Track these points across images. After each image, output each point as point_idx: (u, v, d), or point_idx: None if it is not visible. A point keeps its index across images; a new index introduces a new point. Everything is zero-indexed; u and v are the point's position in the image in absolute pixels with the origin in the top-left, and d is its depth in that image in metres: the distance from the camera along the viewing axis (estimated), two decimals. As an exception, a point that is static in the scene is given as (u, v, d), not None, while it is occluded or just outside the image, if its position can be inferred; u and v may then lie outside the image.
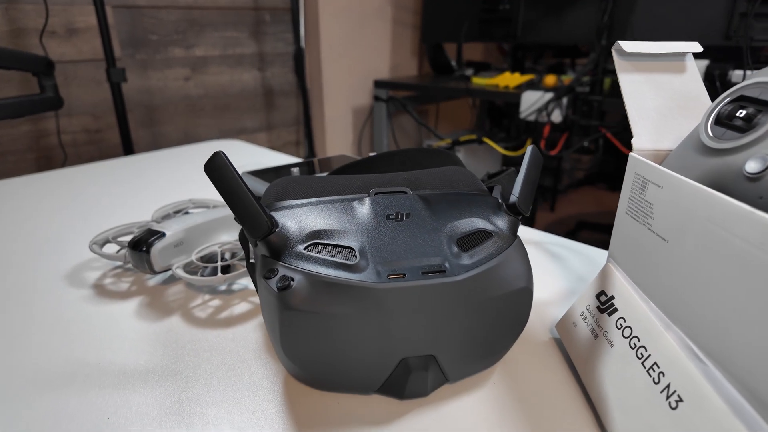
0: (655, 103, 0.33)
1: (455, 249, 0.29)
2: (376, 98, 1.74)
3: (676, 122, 0.33)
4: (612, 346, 0.30)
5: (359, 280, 0.27)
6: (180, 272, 0.40)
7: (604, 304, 0.32)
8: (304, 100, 1.64)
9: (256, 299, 0.42)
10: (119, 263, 0.47)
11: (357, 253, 0.28)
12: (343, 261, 0.28)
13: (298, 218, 0.31)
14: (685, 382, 0.24)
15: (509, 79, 1.45)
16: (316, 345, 0.28)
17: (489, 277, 0.28)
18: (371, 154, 0.63)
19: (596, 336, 0.32)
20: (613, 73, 1.29)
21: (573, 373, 0.33)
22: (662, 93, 0.33)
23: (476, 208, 0.33)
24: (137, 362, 0.34)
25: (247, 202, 0.29)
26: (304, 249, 0.29)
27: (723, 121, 0.27)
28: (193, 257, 0.41)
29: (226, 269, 0.42)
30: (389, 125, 1.79)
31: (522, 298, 0.30)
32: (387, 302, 0.26)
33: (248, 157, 0.89)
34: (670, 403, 0.25)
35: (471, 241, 0.30)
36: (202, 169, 0.30)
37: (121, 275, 0.46)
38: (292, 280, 0.27)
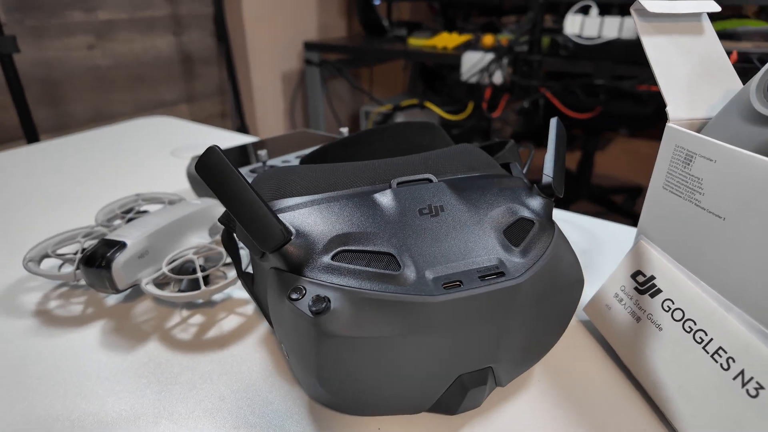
0: (682, 68, 0.31)
1: (506, 244, 0.26)
2: (308, 62, 1.64)
3: (705, 88, 0.31)
4: (660, 329, 0.29)
5: (410, 294, 0.23)
6: (152, 289, 0.34)
7: (644, 284, 0.31)
8: (228, 67, 1.50)
9: (246, 309, 0.36)
10: (61, 281, 0.39)
11: (398, 259, 0.24)
12: (384, 271, 0.23)
13: (313, 221, 0.26)
14: (764, 368, 0.23)
15: (447, 40, 1.41)
16: (360, 372, 0.24)
17: (548, 273, 0.25)
18: (342, 129, 0.57)
19: (638, 319, 0.30)
20: (551, 31, 1.30)
21: (612, 358, 0.32)
22: (687, 57, 0.31)
23: (508, 192, 0.29)
24: (119, 408, 0.28)
25: (255, 208, 0.23)
26: (332, 259, 0.24)
27: (777, 87, 0.26)
28: (165, 269, 0.35)
29: (205, 279, 0.36)
30: (324, 91, 1.70)
31: (575, 290, 0.27)
32: (445, 317, 0.23)
33: (183, 136, 0.80)
34: (748, 390, 0.23)
35: (516, 232, 0.27)
36: (194, 168, 0.24)
37: (69, 296, 0.38)
38: (328, 300, 0.23)
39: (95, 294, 0.38)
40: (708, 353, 0.26)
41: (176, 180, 0.61)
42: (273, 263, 0.26)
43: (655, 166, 0.31)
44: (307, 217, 0.26)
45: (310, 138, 0.60)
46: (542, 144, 2.57)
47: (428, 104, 1.39)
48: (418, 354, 0.23)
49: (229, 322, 0.35)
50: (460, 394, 0.25)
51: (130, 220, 0.42)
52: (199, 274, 0.34)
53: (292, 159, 0.51)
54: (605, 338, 0.33)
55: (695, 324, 0.27)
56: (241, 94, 1.63)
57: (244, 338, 0.33)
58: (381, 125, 0.44)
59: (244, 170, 0.48)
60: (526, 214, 0.28)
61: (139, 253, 0.34)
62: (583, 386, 0.30)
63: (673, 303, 0.28)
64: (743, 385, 0.24)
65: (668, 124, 0.29)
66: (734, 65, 0.30)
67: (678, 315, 0.28)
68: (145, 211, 0.43)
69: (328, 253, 0.24)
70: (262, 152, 0.48)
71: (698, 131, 0.30)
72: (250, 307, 0.36)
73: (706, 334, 0.26)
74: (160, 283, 0.38)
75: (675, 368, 0.27)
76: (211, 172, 0.23)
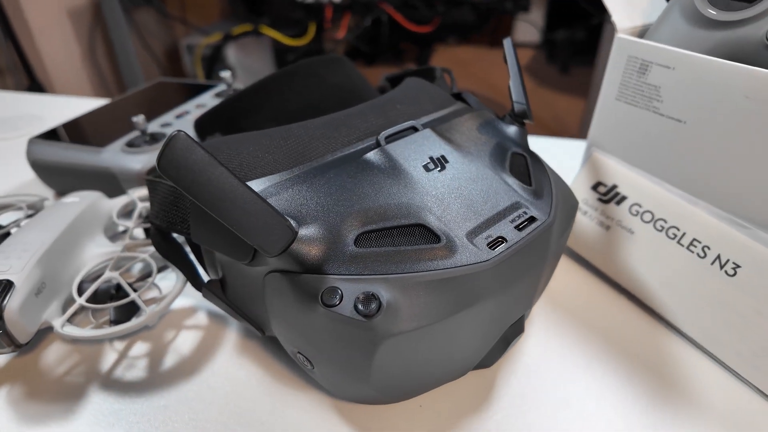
0: (614, -26, 0.31)
1: (519, 184, 0.24)
2: (101, -8, 1.34)
3: (636, -6, 0.32)
4: (632, 233, 0.31)
5: (463, 266, 0.20)
6: (75, 331, 0.25)
7: (606, 194, 0.32)
8: (-9, 7, 1.15)
9: (197, 320, 0.30)
10: None
11: (431, 229, 0.21)
12: (424, 246, 0.20)
13: (310, 203, 0.21)
14: (738, 249, 0.26)
15: (270, -46, 1.26)
16: (415, 361, 0.21)
17: (562, 206, 0.25)
18: (223, 73, 0.48)
19: (608, 228, 0.32)
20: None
21: (586, 268, 0.34)
22: (615, -38, 0.31)
23: (489, 127, 0.28)
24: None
25: (252, 205, 0.18)
26: (355, 246, 0.20)
27: (719, -10, 0.27)
28: (82, 301, 0.26)
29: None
30: (129, 26, 1.42)
31: (575, 215, 0.27)
32: (499, 279, 0.21)
33: (-22, 108, 0.60)
34: (726, 271, 0.27)
35: (516, 169, 0.26)
36: (158, 168, 0.17)
37: (-74, 368, 0.27)
38: (378, 297, 0.19)
39: (-32, 355, 0.27)
40: (683, 246, 0.29)
41: (5, 173, 0.46)
42: (274, 266, 0.21)
43: (605, 79, 0.31)
44: (299, 200, 0.21)
45: (173, 90, 0.50)
46: (371, 62, 2.54)
47: (265, 29, 1.26)
48: (473, 324, 0.21)
49: (184, 341, 0.28)
50: (501, 349, 0.24)
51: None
52: (134, 295, 0.26)
53: (173, 120, 0.42)
54: (574, 250, 0.35)
55: (666, 222, 0.29)
56: (21, 42, 1.28)
57: (215, 355, 0.27)
58: (285, 67, 0.38)
59: (119, 144, 0.38)
60: (514, 148, 0.27)
61: (34, 289, 0.25)
62: (574, 301, 0.31)
63: (641, 206, 0.31)
64: (721, 267, 0.27)
65: (618, 35, 0.30)
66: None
67: (647, 217, 0.30)
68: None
69: (348, 239, 0.20)
70: (138, 118, 0.37)
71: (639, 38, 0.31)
72: (202, 315, 0.30)
73: (679, 230, 0.29)
74: (78, 319, 0.29)
75: (654, 266, 0.30)
76: (184, 168, 0.17)
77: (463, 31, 1.62)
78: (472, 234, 0.21)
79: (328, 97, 0.38)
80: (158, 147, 0.37)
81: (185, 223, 0.23)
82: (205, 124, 0.37)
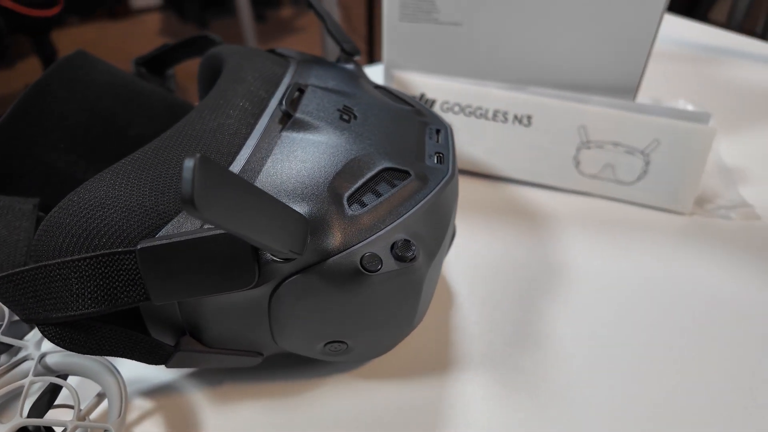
0: None
1: (408, 108, 0.27)
2: None
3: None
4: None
5: (439, 183, 0.22)
6: None
7: (419, 103, 0.38)
8: None
9: (138, 404, 0.23)
10: None
11: (397, 166, 0.22)
12: (402, 184, 0.22)
13: (287, 194, 0.20)
14: (526, 106, 0.36)
15: None
16: (432, 282, 0.23)
17: (438, 114, 0.29)
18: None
19: (431, 128, 0.38)
20: None
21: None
22: None
23: (339, 70, 0.29)
24: None
25: (282, 209, 0.16)
26: (350, 210, 0.20)
27: None
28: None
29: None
30: None
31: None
32: (455, 185, 0.24)
33: None
34: (524, 124, 0.36)
35: (391, 96, 0.28)
36: (197, 207, 0.11)
37: None
38: (408, 240, 0.20)
39: None
40: (489, 119, 0.37)
41: None
42: (287, 272, 0.19)
43: (385, 4, 0.35)
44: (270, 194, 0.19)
45: None
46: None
47: None
48: (450, 227, 0.24)
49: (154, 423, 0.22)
50: (449, 244, 0.28)
51: None
52: (76, 423, 0.19)
53: None
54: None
55: (471, 106, 0.37)
56: None
57: (198, 421, 0.23)
58: (32, 85, 0.28)
59: None
60: (370, 82, 0.29)
61: None
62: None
63: (448, 102, 0.37)
64: (519, 123, 0.36)
65: (387, -37, 0.34)
66: None
67: (456, 109, 0.37)
68: None
69: (344, 207, 0.20)
70: None
71: (396, -35, 0.35)
72: (138, 400, 0.24)
73: (482, 108, 0.37)
74: None
75: (476, 142, 0.38)
76: (220, 197, 0.13)
77: (88, 6, 1.40)
78: (420, 158, 0.23)
79: (104, 96, 0.31)
80: None
81: (135, 288, 0.18)
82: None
